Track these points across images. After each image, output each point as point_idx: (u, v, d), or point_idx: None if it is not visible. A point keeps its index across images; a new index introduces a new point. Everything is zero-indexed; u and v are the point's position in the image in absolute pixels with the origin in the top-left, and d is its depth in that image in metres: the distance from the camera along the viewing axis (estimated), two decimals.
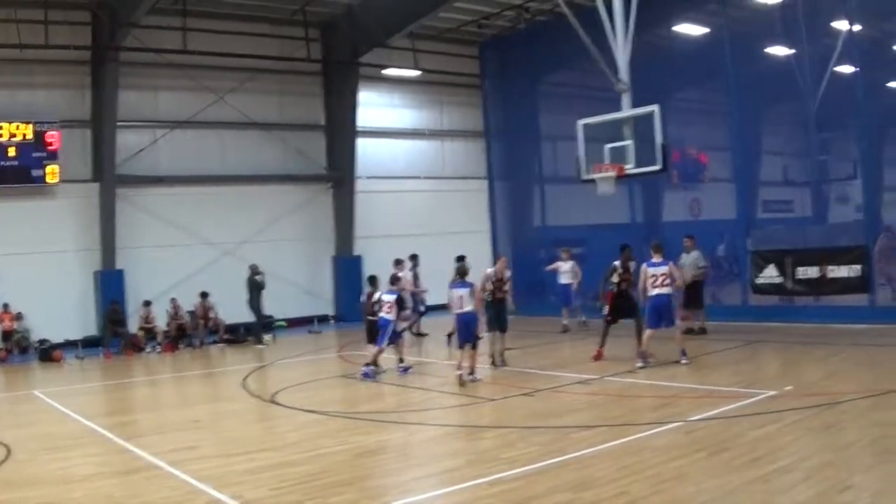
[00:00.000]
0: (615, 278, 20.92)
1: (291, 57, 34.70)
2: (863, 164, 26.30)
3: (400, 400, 17.98)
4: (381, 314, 20.82)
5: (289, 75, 36.05)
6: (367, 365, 20.55)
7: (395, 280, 22.05)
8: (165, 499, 10.84)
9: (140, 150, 32.41)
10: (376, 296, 21.58)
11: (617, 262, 21.11)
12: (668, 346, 20.12)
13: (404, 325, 23.45)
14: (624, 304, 21.03)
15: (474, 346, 19.04)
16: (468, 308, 19.25)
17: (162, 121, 33.18)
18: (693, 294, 24.81)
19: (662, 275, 19.77)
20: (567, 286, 28.76)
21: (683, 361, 19.60)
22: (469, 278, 19.88)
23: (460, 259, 24.96)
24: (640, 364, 19.67)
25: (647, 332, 19.91)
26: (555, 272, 29.32)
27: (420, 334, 28.69)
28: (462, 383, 18.48)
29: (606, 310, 21.33)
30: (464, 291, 19.38)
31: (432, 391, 18.65)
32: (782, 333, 24.20)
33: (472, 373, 18.92)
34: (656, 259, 19.99)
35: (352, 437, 14.25)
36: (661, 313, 19.80)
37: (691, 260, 24.92)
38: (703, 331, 24.87)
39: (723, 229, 33.39)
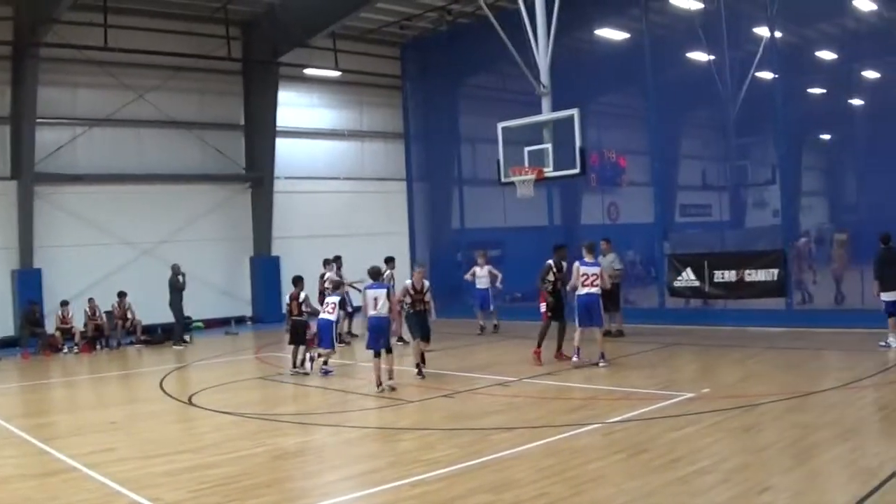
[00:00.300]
0: (551, 277, 20.91)
1: (212, 55, 34.32)
2: (781, 169, 26.60)
3: (319, 401, 17.84)
4: (323, 315, 20.81)
5: (209, 74, 35.70)
6: (325, 364, 20.67)
7: (338, 285, 22.04)
8: (84, 501, 10.67)
9: (59, 148, 31.85)
10: (302, 295, 21.57)
11: (551, 261, 21.15)
12: (589, 347, 20.18)
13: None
14: (558, 304, 21.04)
15: (389, 351, 18.40)
16: (382, 311, 18.29)
17: (81, 118, 32.67)
18: (610, 296, 24.91)
19: (594, 275, 19.92)
20: (485, 290, 28.64)
21: (601, 364, 19.68)
22: (384, 279, 19.82)
23: (389, 260, 24.91)
24: (575, 360, 19.88)
25: (578, 331, 20.01)
26: (472, 278, 29.17)
27: (351, 334, 28.53)
28: (384, 388, 18.07)
29: (544, 308, 21.28)
30: (379, 293, 18.34)
31: (352, 393, 18.50)
32: (699, 336, 24.41)
33: (390, 378, 18.32)
34: (588, 259, 20.15)
35: (271, 438, 14.10)
36: (591, 312, 19.93)
37: (608, 262, 24.97)
38: (620, 333, 24.99)
39: (638, 233, 33.70)
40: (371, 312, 18.28)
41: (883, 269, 20.40)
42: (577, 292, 19.98)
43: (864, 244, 23.50)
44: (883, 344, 20.00)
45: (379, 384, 18.00)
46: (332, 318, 20.84)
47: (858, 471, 10.27)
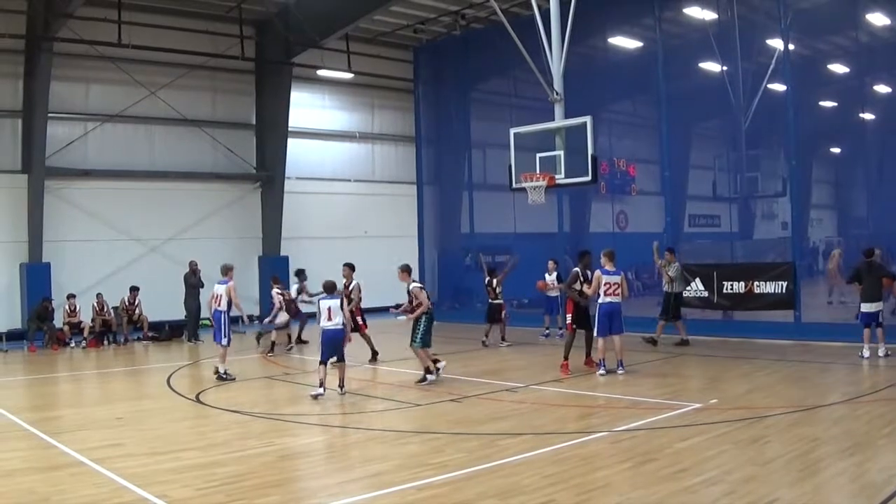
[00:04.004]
0: (577, 285, 20.85)
1: (225, 54, 34.47)
2: (791, 181, 26.53)
3: (326, 403, 17.78)
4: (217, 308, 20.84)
5: (222, 73, 35.89)
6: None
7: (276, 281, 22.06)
8: (91, 496, 10.65)
9: (70, 143, 32.01)
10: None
11: (577, 269, 21.14)
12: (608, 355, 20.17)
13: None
14: (583, 312, 20.99)
15: (340, 359, 18.18)
16: (336, 321, 18.12)
17: (92, 114, 32.84)
18: (673, 306, 24.85)
19: (615, 283, 19.91)
20: (555, 298, 27.78)
21: (620, 372, 19.75)
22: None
23: (299, 273, 24.95)
24: (602, 371, 19.83)
25: (600, 342, 20.02)
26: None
27: (302, 341, 28.67)
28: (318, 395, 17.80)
29: (570, 318, 21.25)
30: (332, 303, 18.20)
31: (359, 395, 18.52)
32: (707, 347, 24.38)
33: (341, 386, 18.13)
34: (609, 267, 20.05)
35: (278, 438, 14.16)
36: (612, 320, 19.92)
37: (674, 271, 24.84)
38: (685, 342, 24.75)
39: (647, 242, 33.74)
40: (324, 324, 18.18)
41: (861, 280, 21.22)
42: (599, 301, 19.95)
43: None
44: (860, 355, 20.68)
45: (321, 385, 17.83)
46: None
47: (865, 485, 10.26)
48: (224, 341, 20.84)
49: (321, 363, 18.00)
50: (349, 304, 20.88)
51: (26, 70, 30.72)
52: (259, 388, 20.25)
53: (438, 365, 19.89)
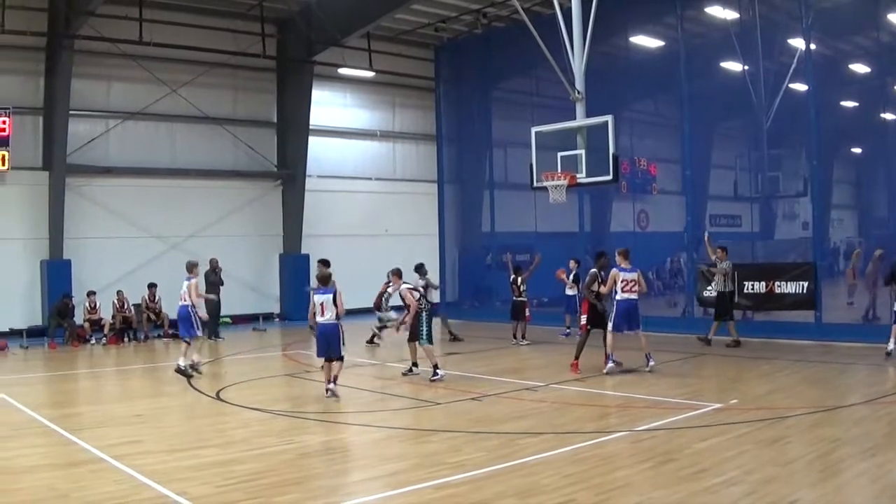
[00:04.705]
0: (595, 286, 20.80)
1: (246, 52, 34.53)
2: (813, 181, 26.46)
3: (346, 401, 17.72)
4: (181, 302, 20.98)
5: (243, 71, 35.98)
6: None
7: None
8: (111, 493, 10.68)
9: (91, 140, 32.13)
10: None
11: (595, 270, 21.00)
12: (623, 354, 20.19)
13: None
14: (598, 313, 20.85)
15: (340, 359, 17.70)
16: (328, 316, 17.61)
17: (114, 111, 32.97)
18: (724, 305, 24.77)
19: (632, 280, 20.02)
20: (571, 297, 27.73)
21: (651, 364, 19.94)
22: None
23: (419, 268, 24.81)
24: (610, 367, 19.84)
25: (611, 336, 20.05)
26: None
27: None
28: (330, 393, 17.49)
29: (584, 320, 21.17)
30: (325, 298, 17.63)
31: (379, 393, 18.57)
32: (728, 347, 24.27)
33: (332, 383, 17.53)
34: (625, 265, 20.17)
35: (297, 436, 14.21)
36: (629, 317, 20.03)
37: (725, 269, 24.79)
38: (737, 343, 24.43)
39: (668, 242, 33.68)
40: (319, 319, 17.78)
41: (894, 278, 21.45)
42: (616, 298, 20.03)
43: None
44: (887, 352, 20.86)
45: (330, 383, 17.55)
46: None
47: (886, 486, 10.26)
48: (197, 332, 21.20)
49: (326, 360, 17.75)
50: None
51: (48, 67, 30.82)
52: (280, 385, 20.33)
53: (415, 370, 20.03)
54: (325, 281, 18.09)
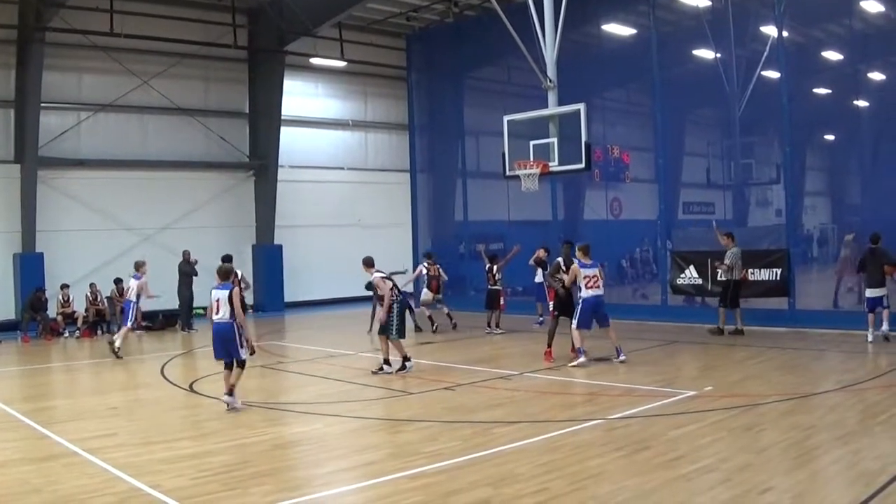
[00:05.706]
0: (560, 274, 20.72)
1: (217, 43, 34.35)
2: (785, 168, 26.50)
3: (319, 391, 17.73)
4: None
5: (214, 61, 35.79)
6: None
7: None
8: (83, 486, 10.64)
9: (63, 133, 31.90)
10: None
11: (560, 259, 21.00)
12: (599, 342, 20.24)
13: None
14: (567, 301, 20.74)
15: (241, 364, 15.73)
16: (222, 314, 15.59)
17: (85, 103, 32.74)
18: (731, 293, 24.61)
19: (594, 276, 19.78)
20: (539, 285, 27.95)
21: (622, 358, 19.69)
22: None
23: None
24: (581, 360, 19.57)
25: (576, 332, 19.76)
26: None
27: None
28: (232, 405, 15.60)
29: (552, 306, 21.18)
30: (221, 294, 15.73)
31: (353, 383, 18.49)
32: (701, 334, 24.40)
33: (229, 395, 15.65)
34: (585, 261, 19.91)
35: (271, 427, 14.17)
36: (597, 314, 19.88)
37: (733, 256, 24.62)
38: (740, 332, 24.23)
39: (641, 230, 33.75)
40: (213, 317, 15.87)
41: (867, 266, 21.66)
42: (582, 295, 19.84)
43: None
44: (866, 339, 21.12)
45: (228, 391, 15.68)
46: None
47: (860, 473, 10.24)
48: (129, 324, 24.16)
49: (225, 367, 15.94)
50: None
51: (18, 60, 30.54)
52: (253, 376, 20.10)
53: (386, 368, 19.52)
54: (226, 276, 16.33)
